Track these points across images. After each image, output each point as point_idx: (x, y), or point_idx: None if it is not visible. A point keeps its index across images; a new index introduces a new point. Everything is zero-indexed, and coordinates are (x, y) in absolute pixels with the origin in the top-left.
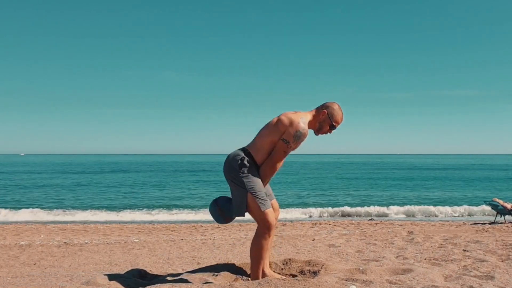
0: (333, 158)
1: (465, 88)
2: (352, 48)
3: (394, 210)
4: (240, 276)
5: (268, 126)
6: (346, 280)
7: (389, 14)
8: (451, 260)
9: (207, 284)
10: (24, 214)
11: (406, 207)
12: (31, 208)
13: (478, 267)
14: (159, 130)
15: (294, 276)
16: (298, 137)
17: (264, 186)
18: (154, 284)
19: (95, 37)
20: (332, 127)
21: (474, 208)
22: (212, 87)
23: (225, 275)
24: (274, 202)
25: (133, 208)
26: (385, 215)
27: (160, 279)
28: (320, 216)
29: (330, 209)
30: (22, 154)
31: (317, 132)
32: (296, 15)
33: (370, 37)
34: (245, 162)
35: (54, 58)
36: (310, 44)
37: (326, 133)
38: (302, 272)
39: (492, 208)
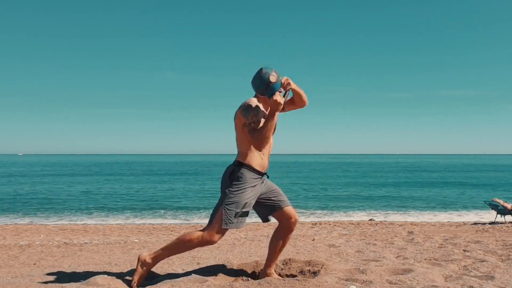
0: (333, 158)
1: (465, 88)
2: (352, 48)
3: (394, 211)
4: (240, 276)
5: (235, 126)
6: (346, 280)
7: (389, 15)
8: (451, 260)
9: (207, 284)
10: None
11: (406, 208)
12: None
13: (478, 267)
14: (159, 130)
15: (294, 276)
16: (245, 109)
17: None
18: (154, 284)
19: (95, 37)
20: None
21: (474, 208)
22: (212, 87)
23: (225, 275)
24: (290, 209)
25: (133, 208)
26: (385, 216)
27: (160, 279)
28: (320, 216)
29: (329, 209)
30: (20, 154)
31: (274, 105)
32: (296, 15)
33: (370, 37)
34: (238, 174)
35: (54, 58)
36: (310, 44)
37: (280, 100)
38: (302, 272)
39: (492, 208)
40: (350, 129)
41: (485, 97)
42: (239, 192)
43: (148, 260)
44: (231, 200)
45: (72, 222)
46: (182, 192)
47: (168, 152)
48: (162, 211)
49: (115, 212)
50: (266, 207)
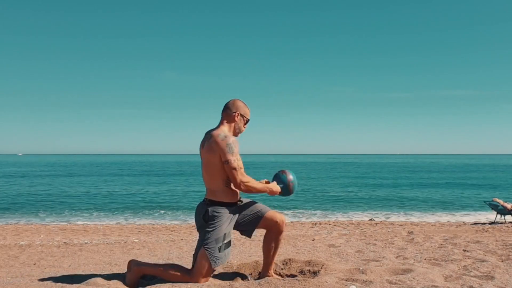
0: (333, 158)
1: (465, 88)
2: (352, 48)
3: (394, 211)
4: (240, 276)
5: (205, 164)
6: (346, 280)
7: (389, 15)
8: (451, 260)
9: (207, 284)
10: (20, 217)
11: (406, 208)
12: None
13: (478, 267)
14: (159, 130)
15: (294, 276)
16: (231, 147)
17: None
18: (154, 284)
19: (94, 37)
20: (247, 123)
21: (474, 208)
22: (212, 87)
23: (225, 275)
24: (271, 213)
25: (133, 208)
26: (385, 216)
27: (160, 279)
28: (320, 216)
29: (329, 209)
30: (20, 154)
31: (237, 134)
32: (296, 16)
33: (370, 38)
34: (212, 214)
35: (54, 58)
36: (310, 45)
37: (243, 131)
38: (302, 272)
39: (492, 208)
40: (350, 129)
41: (485, 97)
42: (216, 229)
43: (136, 271)
44: (210, 239)
45: (72, 222)
46: (182, 192)
47: (168, 152)
48: (162, 211)
49: (115, 212)
50: (248, 224)
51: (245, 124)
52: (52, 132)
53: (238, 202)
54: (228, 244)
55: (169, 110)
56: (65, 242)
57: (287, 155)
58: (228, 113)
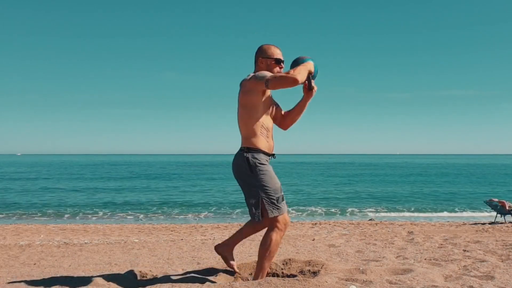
0: (332, 158)
1: (464, 88)
2: (352, 48)
3: (394, 211)
4: (240, 276)
5: (240, 111)
6: (346, 280)
7: (389, 15)
8: (451, 260)
9: (207, 284)
10: (20, 217)
11: (406, 208)
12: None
13: (478, 267)
14: (159, 130)
15: (294, 276)
16: (259, 74)
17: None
18: (154, 284)
19: (94, 37)
20: (277, 62)
21: (474, 208)
22: (212, 87)
23: (225, 275)
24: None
25: (133, 208)
26: (385, 216)
27: (160, 279)
28: (320, 216)
29: (329, 209)
30: (19, 154)
31: (267, 86)
32: (296, 15)
33: (370, 38)
34: (252, 160)
35: (53, 58)
36: (310, 45)
37: (279, 72)
38: (302, 272)
39: (492, 208)
40: (350, 129)
41: (485, 97)
42: (268, 176)
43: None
44: (266, 188)
45: (72, 222)
46: (182, 191)
47: (168, 152)
48: (162, 211)
49: (115, 212)
50: None
51: (276, 64)
52: (52, 132)
53: (272, 156)
54: (283, 197)
55: (169, 110)
56: (65, 242)
57: (287, 155)
58: (255, 64)
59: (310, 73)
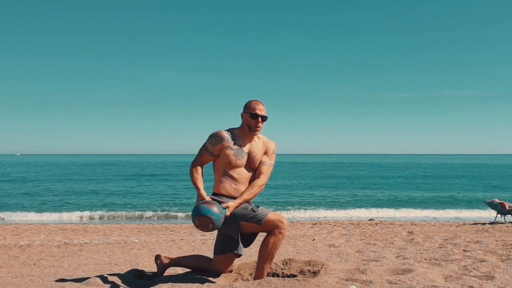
0: (332, 158)
1: (464, 88)
2: (352, 48)
3: (394, 211)
4: (240, 276)
5: None
6: (346, 280)
7: (389, 15)
8: (451, 260)
9: (207, 284)
10: (20, 217)
11: (406, 208)
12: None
13: (478, 267)
14: (159, 130)
15: (294, 276)
16: (210, 136)
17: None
18: (154, 284)
19: (94, 37)
20: (253, 116)
21: (474, 208)
22: (212, 87)
23: (225, 275)
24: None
25: (133, 209)
26: (385, 216)
27: (160, 279)
28: (319, 217)
29: (329, 209)
30: (18, 154)
31: (250, 131)
32: (296, 15)
33: (370, 38)
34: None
35: (53, 58)
36: (310, 45)
37: (257, 125)
38: (302, 272)
39: (492, 208)
40: (350, 129)
41: (485, 97)
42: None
43: (165, 261)
44: (235, 214)
45: (72, 222)
46: (182, 191)
47: (168, 152)
48: (162, 211)
49: (115, 212)
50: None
51: (252, 118)
52: (51, 132)
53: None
54: (256, 206)
55: (169, 110)
56: (65, 242)
57: (286, 155)
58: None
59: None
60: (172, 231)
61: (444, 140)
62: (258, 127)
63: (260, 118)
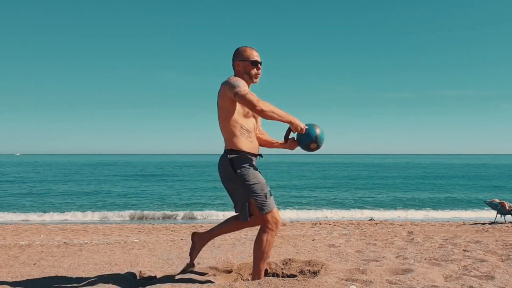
0: (332, 158)
1: (464, 88)
2: (352, 48)
3: (394, 211)
4: (240, 276)
5: (219, 113)
6: (346, 280)
7: (389, 15)
8: (451, 260)
9: (207, 284)
10: (20, 217)
11: (406, 208)
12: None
13: (478, 267)
14: (159, 130)
15: (294, 276)
16: (234, 81)
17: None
18: (154, 284)
19: (94, 37)
20: (254, 63)
21: (474, 208)
22: (212, 87)
23: (225, 275)
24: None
25: (133, 208)
26: (385, 216)
27: (160, 279)
28: (319, 217)
29: (329, 209)
30: (18, 154)
31: (251, 79)
32: (296, 16)
33: (370, 38)
34: (235, 161)
35: (52, 58)
36: (310, 45)
37: (258, 72)
38: (302, 272)
39: (492, 208)
40: (350, 129)
41: (485, 97)
42: (251, 176)
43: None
44: (253, 187)
45: (72, 222)
46: (182, 191)
47: (168, 152)
48: (162, 211)
49: (115, 212)
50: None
51: (252, 65)
52: (51, 132)
53: (259, 155)
54: (271, 193)
55: (168, 110)
56: (65, 242)
57: (286, 155)
58: (233, 67)
59: (291, 125)
60: (172, 231)
61: (444, 140)
62: (259, 74)
63: (259, 64)
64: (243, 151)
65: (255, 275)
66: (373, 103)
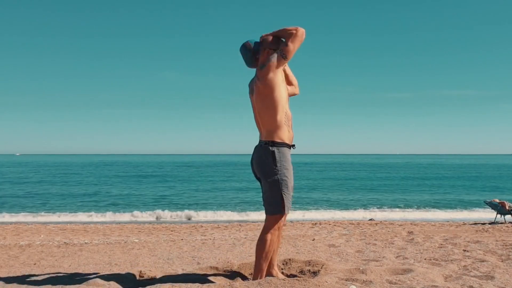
0: (332, 158)
1: (464, 88)
2: (352, 48)
3: (394, 211)
4: (240, 276)
5: (259, 103)
6: (346, 280)
7: (389, 14)
8: (451, 260)
9: (207, 284)
10: (20, 217)
11: (406, 207)
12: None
13: (478, 267)
14: (159, 130)
15: (294, 276)
16: (266, 60)
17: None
18: (154, 284)
19: (94, 37)
20: (255, 50)
21: (474, 208)
22: (212, 87)
23: (225, 275)
24: None
25: (133, 208)
26: (385, 215)
27: (160, 279)
28: (319, 217)
29: (329, 209)
30: (18, 154)
31: (285, 60)
32: (296, 15)
33: (370, 37)
34: (277, 154)
35: (52, 58)
36: (310, 44)
37: (288, 52)
38: (302, 272)
39: (492, 208)
40: (350, 129)
41: (485, 97)
42: (288, 173)
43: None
44: (286, 184)
45: (72, 222)
46: (182, 191)
47: (168, 152)
48: (162, 211)
49: (115, 212)
50: None
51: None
52: (51, 132)
53: (293, 146)
54: (292, 196)
55: (169, 110)
56: (65, 242)
57: None
58: (261, 56)
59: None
60: (172, 231)
61: (444, 140)
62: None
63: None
64: (285, 143)
65: (257, 273)
66: (373, 103)
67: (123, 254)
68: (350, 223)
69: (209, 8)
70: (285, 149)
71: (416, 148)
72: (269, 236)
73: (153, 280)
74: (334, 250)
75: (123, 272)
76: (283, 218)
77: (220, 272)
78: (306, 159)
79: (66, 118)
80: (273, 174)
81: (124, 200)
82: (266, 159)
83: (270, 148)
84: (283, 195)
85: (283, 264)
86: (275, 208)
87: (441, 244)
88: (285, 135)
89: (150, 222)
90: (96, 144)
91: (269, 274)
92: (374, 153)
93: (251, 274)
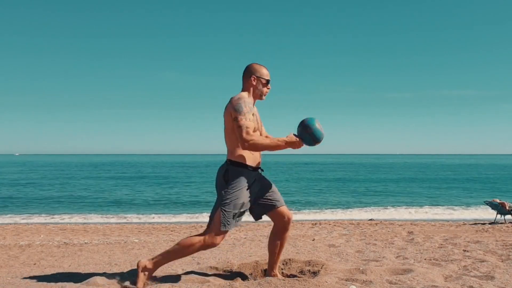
0: (332, 158)
1: (464, 88)
2: (352, 48)
3: (394, 211)
4: (240, 276)
5: (225, 126)
6: (346, 280)
7: (389, 15)
8: (451, 260)
9: (207, 284)
10: (20, 217)
11: (406, 208)
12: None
13: (478, 267)
14: (159, 130)
15: (294, 276)
16: (240, 106)
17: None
18: (154, 284)
19: (94, 37)
20: (268, 83)
21: (474, 208)
22: (212, 87)
23: (225, 275)
24: (284, 208)
25: (133, 208)
26: (385, 215)
27: (160, 279)
28: (319, 217)
29: (329, 209)
30: (17, 154)
31: (262, 96)
32: (296, 15)
33: (370, 38)
34: (232, 173)
35: (52, 58)
36: (310, 45)
37: (266, 92)
38: (302, 272)
39: (492, 208)
40: (350, 129)
41: (485, 97)
42: (235, 192)
43: (149, 266)
44: (228, 201)
45: (72, 222)
46: (182, 191)
47: (168, 152)
48: (162, 211)
49: (115, 212)
50: (260, 206)
51: (265, 85)
52: (50, 132)
53: (258, 169)
54: (243, 213)
55: (169, 110)
56: (65, 242)
57: (286, 155)
58: (245, 80)
59: (289, 146)
60: (172, 231)
61: (444, 140)
62: (267, 92)
63: (269, 84)
64: (242, 163)
65: (158, 264)
66: (373, 103)
67: (123, 254)
68: (350, 223)
69: (209, 9)
70: (243, 170)
71: (416, 148)
72: (196, 240)
73: (153, 280)
74: (334, 250)
75: (123, 272)
76: (216, 238)
77: (220, 272)
78: (306, 159)
79: (66, 118)
80: (220, 190)
81: (124, 200)
82: (220, 175)
83: (227, 166)
84: (222, 212)
85: (283, 264)
86: (209, 222)
87: (441, 244)
88: (246, 155)
89: (150, 222)
90: (96, 144)
91: (270, 275)
92: (374, 153)
93: (251, 274)
